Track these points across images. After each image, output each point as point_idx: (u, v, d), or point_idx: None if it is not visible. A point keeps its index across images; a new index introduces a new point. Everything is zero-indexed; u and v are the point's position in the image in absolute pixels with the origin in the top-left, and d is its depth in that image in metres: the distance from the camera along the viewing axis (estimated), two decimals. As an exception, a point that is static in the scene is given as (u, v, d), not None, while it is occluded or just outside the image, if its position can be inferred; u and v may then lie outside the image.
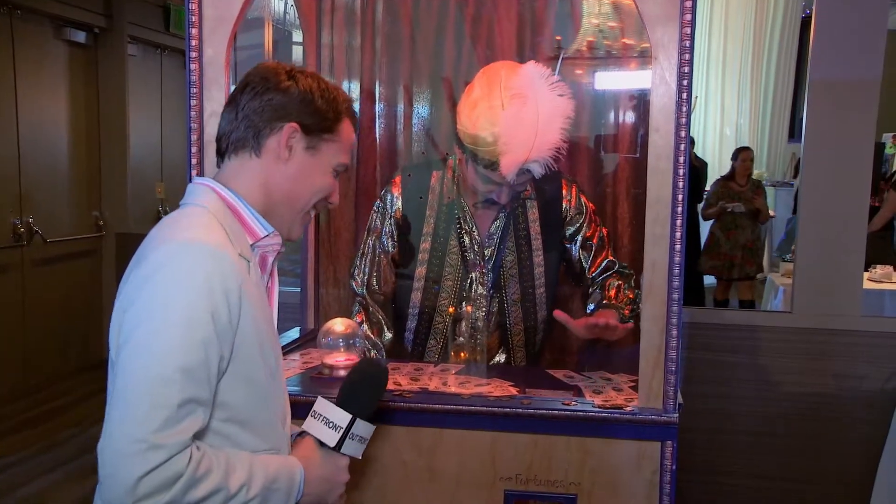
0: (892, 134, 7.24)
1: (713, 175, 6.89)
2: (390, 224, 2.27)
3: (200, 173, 1.80)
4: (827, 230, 2.84)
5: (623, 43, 2.64)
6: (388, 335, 2.28)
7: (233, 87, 1.84)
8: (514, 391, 1.87)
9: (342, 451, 1.37)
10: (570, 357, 2.53)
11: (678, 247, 1.69)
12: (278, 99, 1.35)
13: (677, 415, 1.71)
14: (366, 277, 2.28)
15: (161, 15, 5.99)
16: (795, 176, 6.27)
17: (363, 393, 1.40)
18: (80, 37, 5.34)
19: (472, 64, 2.65)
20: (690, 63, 1.66)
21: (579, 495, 1.77)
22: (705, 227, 6.24)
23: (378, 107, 2.72)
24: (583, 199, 2.31)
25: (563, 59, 2.39)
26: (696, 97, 7.89)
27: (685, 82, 1.66)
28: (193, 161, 1.80)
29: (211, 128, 1.79)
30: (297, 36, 2.73)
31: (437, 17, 2.70)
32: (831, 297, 2.84)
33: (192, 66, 1.79)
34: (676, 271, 1.69)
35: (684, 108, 1.67)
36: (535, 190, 2.26)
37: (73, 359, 5.40)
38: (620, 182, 2.64)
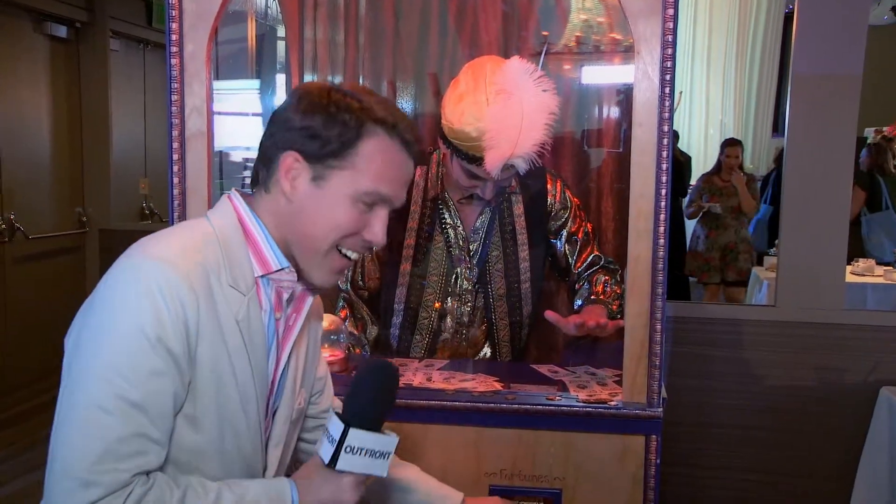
0: (875, 128, 7.29)
1: (697, 169, 6.89)
2: (374, 219, 2.25)
3: (182, 169, 1.79)
4: (810, 224, 2.85)
5: (610, 38, 2.64)
6: (373, 331, 2.28)
7: (214, 82, 1.84)
8: (498, 386, 1.87)
9: (338, 467, 1.17)
10: (554, 352, 2.54)
11: (662, 241, 1.69)
12: (284, 121, 1.21)
13: (661, 409, 1.72)
14: (350, 273, 2.27)
15: (143, 10, 5.94)
16: (776, 170, 6.16)
17: (364, 397, 1.21)
18: (62, 31, 5.29)
19: (457, 59, 2.64)
20: (673, 58, 1.66)
21: (564, 490, 1.77)
22: (692, 223, 6.19)
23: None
24: (567, 193, 2.31)
25: (546, 53, 2.39)
26: (681, 92, 7.92)
27: (668, 77, 1.67)
28: (175, 157, 1.79)
29: (192, 122, 1.78)
30: (281, 31, 2.72)
31: (421, 12, 2.69)
32: (814, 290, 2.86)
33: (173, 62, 1.78)
34: (660, 266, 1.70)
35: (667, 103, 1.67)
36: (520, 185, 2.26)
37: (55, 356, 5.30)
38: (605, 177, 2.65)
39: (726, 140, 5.83)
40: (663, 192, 1.68)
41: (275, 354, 1.26)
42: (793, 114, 2.86)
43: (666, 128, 1.67)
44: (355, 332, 2.24)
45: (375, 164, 1.20)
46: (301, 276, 1.26)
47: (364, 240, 1.23)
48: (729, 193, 5.48)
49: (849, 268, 4.24)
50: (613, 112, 2.66)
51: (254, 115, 3.78)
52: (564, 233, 2.29)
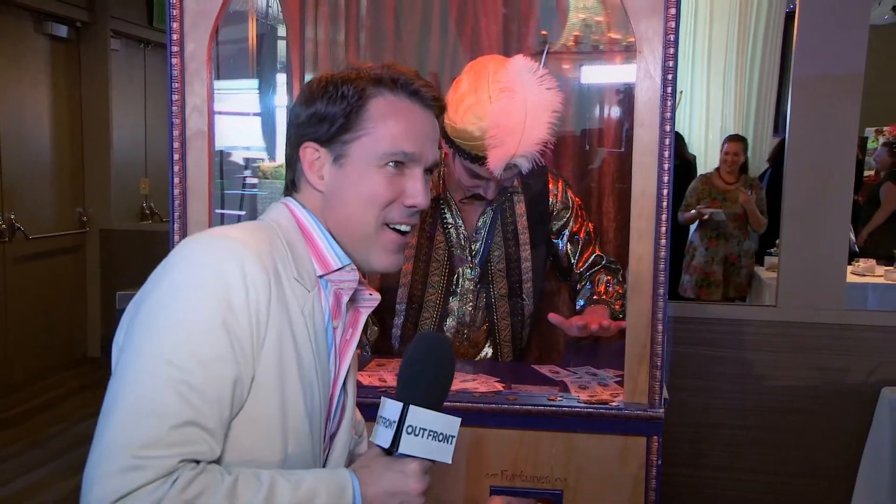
0: (875, 128, 7.29)
1: (699, 171, 6.87)
2: (376, 219, 2.25)
3: (183, 169, 1.78)
4: (811, 224, 2.84)
5: (609, 37, 2.63)
6: (374, 331, 2.27)
7: (215, 82, 1.84)
8: (499, 387, 1.86)
9: (400, 450, 1.07)
10: (556, 352, 2.53)
11: (663, 241, 1.68)
12: (294, 119, 1.19)
13: (663, 410, 1.71)
14: (351, 273, 2.26)
15: (144, 9, 5.94)
16: (770, 168, 6.04)
17: (420, 373, 1.10)
18: (62, 31, 5.29)
19: (457, 59, 2.64)
20: (675, 57, 1.66)
21: (565, 491, 1.76)
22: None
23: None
24: (569, 193, 2.30)
25: (548, 52, 2.38)
26: (682, 91, 7.91)
27: (670, 76, 1.66)
28: (175, 157, 1.78)
29: (193, 122, 1.77)
30: (282, 30, 2.72)
31: (422, 12, 2.69)
32: (815, 290, 2.85)
33: (174, 61, 1.77)
34: (662, 266, 1.69)
35: (669, 103, 1.66)
36: (522, 185, 2.25)
37: (57, 355, 5.36)
38: (606, 176, 2.64)
39: (728, 136, 5.29)
40: (665, 191, 1.67)
41: (336, 363, 1.19)
42: (794, 113, 2.86)
43: (668, 127, 1.67)
44: (356, 332, 2.23)
45: (388, 123, 1.15)
46: (361, 271, 1.20)
47: (406, 207, 1.17)
48: (732, 198, 4.82)
49: (849, 268, 4.23)
50: (614, 111, 2.65)
51: (254, 114, 3.78)
52: (566, 233, 2.29)
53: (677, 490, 2.95)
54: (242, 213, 3.68)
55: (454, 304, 2.24)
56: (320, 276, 1.16)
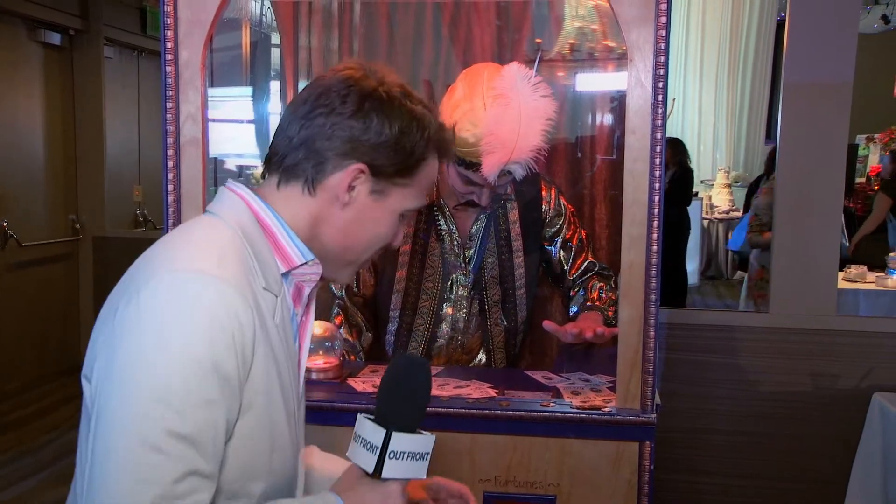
0: (866, 136, 7.34)
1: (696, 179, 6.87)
2: (369, 226, 2.25)
3: (177, 176, 1.79)
4: (802, 231, 2.86)
5: (604, 45, 2.65)
6: (368, 337, 2.28)
7: (209, 90, 1.84)
8: (492, 393, 1.87)
9: (384, 475, 1.08)
10: (549, 358, 2.54)
11: (655, 248, 1.69)
12: (352, 129, 1.10)
13: (655, 415, 1.72)
14: (345, 280, 2.27)
15: (138, 17, 5.94)
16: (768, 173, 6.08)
17: (398, 398, 1.11)
18: (56, 38, 5.29)
19: (451, 66, 2.65)
20: (666, 65, 1.67)
21: (559, 496, 1.77)
22: (695, 230, 6.07)
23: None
24: (562, 200, 2.31)
25: (540, 60, 2.40)
26: (674, 99, 7.95)
27: (661, 84, 1.67)
28: (170, 164, 1.79)
29: (187, 129, 1.78)
30: (275, 38, 2.72)
31: (415, 19, 2.70)
32: (807, 296, 2.87)
33: (168, 69, 1.78)
34: (654, 273, 1.70)
35: (660, 110, 1.68)
36: (515, 192, 2.26)
37: (50, 363, 5.34)
38: (598, 184, 2.65)
39: None
40: (656, 199, 1.68)
41: (297, 349, 1.20)
42: (785, 121, 2.88)
43: (659, 135, 1.68)
44: (350, 338, 2.24)
45: (426, 182, 1.18)
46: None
47: (392, 246, 1.21)
48: None
49: (841, 274, 4.25)
50: (607, 119, 2.67)
51: (248, 122, 3.78)
52: (559, 239, 2.30)
53: (670, 496, 2.96)
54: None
55: (448, 310, 2.25)
56: (284, 273, 1.13)
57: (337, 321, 2.24)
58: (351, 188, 1.12)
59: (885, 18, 7.09)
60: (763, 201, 4.62)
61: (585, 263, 2.29)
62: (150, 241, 1.12)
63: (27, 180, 5.14)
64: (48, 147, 5.34)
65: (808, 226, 2.86)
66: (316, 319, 1.99)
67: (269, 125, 3.62)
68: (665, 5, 1.66)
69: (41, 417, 4.72)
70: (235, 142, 4.14)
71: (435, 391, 1.87)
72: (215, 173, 3.59)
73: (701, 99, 8.79)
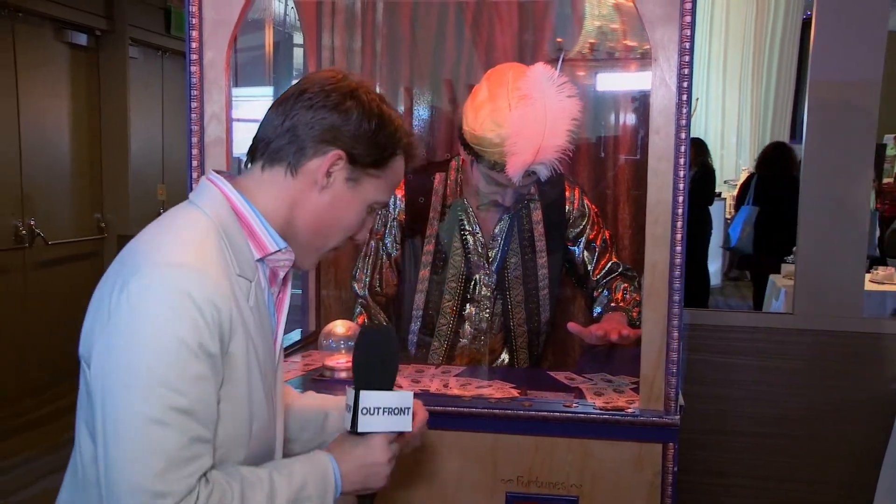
0: (894, 135, 7.23)
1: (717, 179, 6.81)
2: (393, 226, 2.26)
3: (201, 175, 1.80)
4: (828, 232, 2.83)
5: (625, 44, 2.64)
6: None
7: (233, 89, 1.86)
8: (515, 393, 1.87)
9: (360, 429, 1.25)
10: (571, 358, 2.53)
11: (679, 248, 1.69)
12: (333, 119, 1.22)
13: (678, 416, 1.71)
14: (368, 279, 2.28)
15: (162, 17, 5.99)
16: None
17: (365, 363, 1.28)
18: (82, 39, 5.34)
19: (473, 66, 2.65)
20: (690, 64, 1.66)
21: (580, 497, 1.76)
22: (718, 230, 6.04)
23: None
24: (586, 201, 2.31)
25: (563, 60, 2.39)
26: (697, 99, 7.89)
27: (685, 84, 1.66)
28: (194, 163, 1.80)
29: (211, 129, 1.80)
30: (298, 38, 2.74)
31: (437, 20, 2.70)
32: (833, 298, 2.84)
33: (193, 69, 1.79)
34: (677, 273, 1.69)
35: (684, 110, 1.67)
36: (539, 192, 2.26)
37: (75, 360, 5.38)
38: (621, 184, 2.64)
39: None
40: (680, 199, 1.67)
41: (274, 323, 1.31)
42: (810, 120, 2.85)
43: (683, 135, 1.67)
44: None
45: (393, 178, 1.31)
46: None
47: (355, 239, 1.33)
48: None
49: (868, 276, 4.20)
50: (630, 119, 2.65)
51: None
52: (583, 240, 2.29)
53: (693, 497, 2.94)
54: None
55: (471, 310, 2.25)
56: (259, 259, 1.23)
57: (360, 320, 2.25)
58: (329, 173, 1.23)
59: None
60: None
61: (609, 264, 2.29)
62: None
63: (53, 179, 5.20)
64: (74, 146, 5.40)
65: (834, 227, 2.83)
66: (339, 319, 2.02)
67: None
68: (690, 4, 1.65)
69: (67, 414, 4.75)
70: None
71: (456, 391, 1.88)
72: (239, 172, 3.61)
73: (724, 98, 8.71)
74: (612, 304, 2.20)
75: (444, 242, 2.24)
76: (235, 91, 1.95)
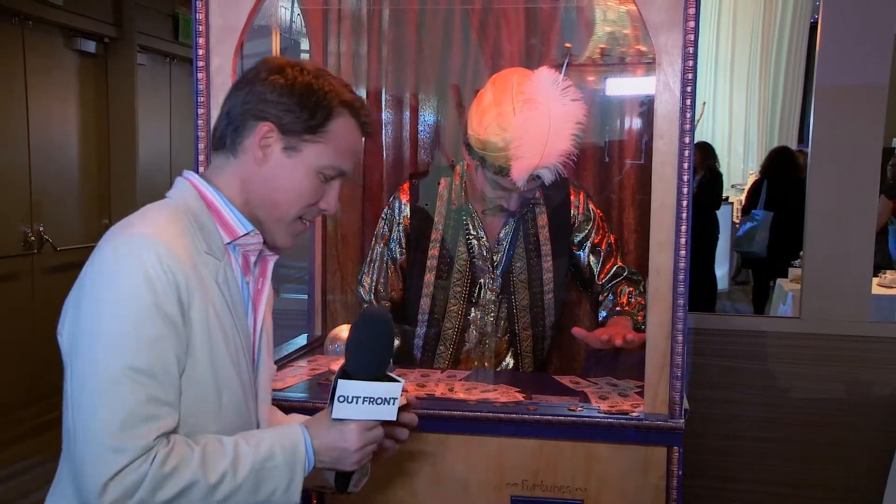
0: (902, 139, 7.20)
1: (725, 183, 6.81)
2: (398, 231, 2.28)
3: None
4: (835, 236, 2.83)
5: (637, 49, 2.64)
6: (396, 342, 2.29)
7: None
8: (520, 397, 1.87)
9: (334, 415, 1.27)
10: (576, 362, 2.54)
11: (683, 253, 1.69)
12: (259, 94, 1.28)
13: (683, 420, 1.71)
14: (373, 284, 2.29)
15: (170, 24, 6.02)
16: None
17: (356, 350, 1.30)
18: (91, 46, 5.38)
19: (479, 71, 2.66)
20: (694, 69, 1.67)
21: (586, 501, 1.77)
22: (725, 234, 6.05)
23: (385, 114, 2.74)
24: (591, 205, 2.32)
25: (569, 64, 2.40)
26: (704, 103, 7.88)
27: (689, 88, 1.67)
28: (201, 169, 1.82)
29: (219, 136, 1.81)
30: (305, 44, 2.75)
31: (444, 25, 2.71)
32: (840, 302, 2.83)
33: (200, 76, 1.81)
34: (682, 277, 1.70)
35: (688, 115, 1.68)
36: (544, 196, 2.27)
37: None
38: (626, 188, 2.65)
39: None
40: (684, 203, 1.68)
41: (252, 315, 1.37)
42: (817, 124, 2.85)
43: (687, 139, 1.68)
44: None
45: (340, 142, 1.32)
46: (264, 239, 1.36)
47: (319, 208, 1.35)
48: None
49: (875, 279, 4.19)
50: (635, 123, 2.66)
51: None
52: (588, 244, 2.30)
53: (699, 501, 2.94)
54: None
55: (476, 314, 2.26)
56: (228, 243, 1.31)
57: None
58: (263, 146, 1.29)
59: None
60: None
61: (614, 268, 2.29)
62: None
63: (62, 185, 5.24)
64: (82, 152, 5.43)
65: (841, 230, 2.83)
66: (344, 324, 2.05)
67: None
68: (693, 10, 1.66)
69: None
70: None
71: (462, 395, 1.88)
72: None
73: (732, 102, 8.70)
74: (618, 309, 2.21)
75: (450, 247, 2.25)
76: (242, 97, 1.97)
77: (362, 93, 2.75)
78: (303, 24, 2.70)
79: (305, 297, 2.64)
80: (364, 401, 1.27)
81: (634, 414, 1.74)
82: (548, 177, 1.98)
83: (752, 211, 5.91)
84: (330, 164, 1.32)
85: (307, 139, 1.29)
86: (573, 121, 1.96)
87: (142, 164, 5.75)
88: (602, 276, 2.30)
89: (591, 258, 2.30)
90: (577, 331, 2.05)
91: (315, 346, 2.40)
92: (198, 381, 1.22)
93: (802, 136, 8.43)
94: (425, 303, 2.26)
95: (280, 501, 1.24)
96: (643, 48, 2.63)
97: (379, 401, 1.27)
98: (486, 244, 2.24)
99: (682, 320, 1.70)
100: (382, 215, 2.32)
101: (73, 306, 1.21)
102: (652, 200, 1.71)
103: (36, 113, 4.93)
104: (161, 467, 1.12)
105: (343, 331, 2.10)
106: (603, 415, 1.75)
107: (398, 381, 1.30)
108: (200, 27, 1.81)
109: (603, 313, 2.27)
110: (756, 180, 6.31)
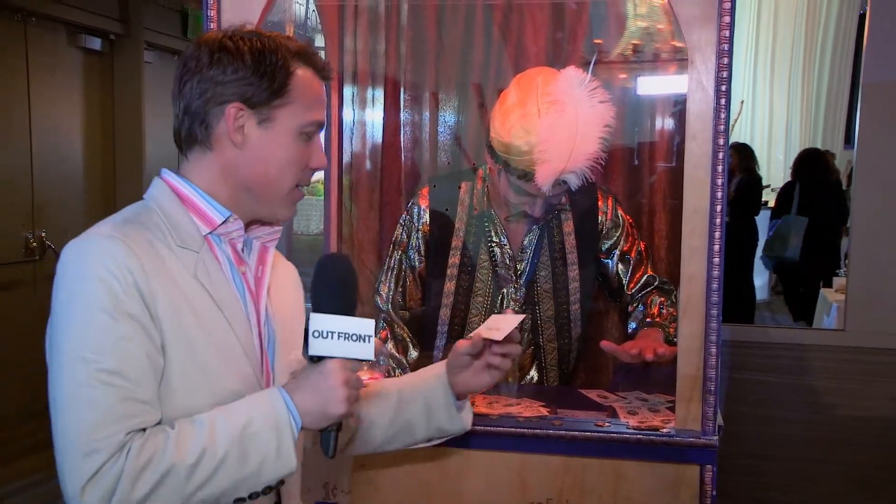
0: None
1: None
2: (417, 238, 2.29)
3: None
4: (882, 244, 2.82)
5: (672, 45, 2.64)
6: (414, 353, 2.31)
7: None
8: (544, 411, 1.89)
9: (310, 352, 1.26)
10: (604, 376, 2.54)
11: (717, 260, 1.70)
12: (211, 78, 1.30)
13: (717, 437, 1.72)
14: (391, 293, 2.30)
15: (178, 21, 6.08)
16: (849, 185, 6.06)
17: (320, 288, 1.31)
18: (96, 44, 5.45)
19: (502, 69, 2.68)
20: (729, 67, 1.68)
21: (614, 522, 1.78)
22: (764, 239, 6.01)
23: (403, 114, 2.76)
24: (619, 211, 2.32)
25: (596, 62, 2.42)
26: (742, 102, 7.84)
27: (724, 87, 1.68)
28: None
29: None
30: (320, 41, 2.79)
31: (465, 21, 2.73)
32: (886, 314, 2.82)
33: (212, 75, 1.84)
34: (715, 286, 1.70)
35: (723, 115, 1.68)
36: (570, 202, 2.27)
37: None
38: (657, 193, 2.65)
39: None
40: (718, 208, 1.69)
41: (253, 306, 1.37)
42: (863, 125, 2.85)
43: (721, 141, 1.69)
44: (396, 354, 2.27)
45: (307, 94, 1.34)
46: (262, 221, 1.39)
47: (311, 169, 1.38)
48: None
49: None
50: (667, 124, 2.67)
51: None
52: (617, 252, 2.30)
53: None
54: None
55: (498, 325, 2.27)
56: (208, 233, 1.33)
57: (382, 335, 2.28)
58: (238, 127, 1.31)
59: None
60: None
61: (645, 277, 2.30)
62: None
63: (66, 189, 5.29)
64: (87, 155, 5.49)
65: (889, 238, 2.82)
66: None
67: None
68: (729, 4, 1.67)
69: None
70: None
71: (483, 409, 1.90)
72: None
73: (772, 101, 8.64)
74: (648, 320, 2.21)
75: (471, 255, 2.26)
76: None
77: (379, 92, 2.77)
78: (318, 21, 2.74)
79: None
80: (339, 336, 1.27)
81: (665, 430, 1.75)
82: (574, 181, 1.99)
83: (785, 216, 5.87)
84: (306, 120, 1.34)
85: (276, 105, 1.31)
86: (601, 123, 1.97)
87: (148, 167, 5.80)
88: (631, 285, 2.30)
89: (620, 267, 2.30)
90: (605, 344, 2.05)
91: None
92: (181, 382, 1.25)
93: (849, 138, 8.36)
94: (445, 313, 2.28)
95: (275, 469, 1.24)
96: (679, 44, 2.64)
97: (354, 337, 1.28)
98: (510, 252, 2.26)
99: (715, 331, 1.71)
100: (401, 221, 2.34)
101: (50, 314, 1.25)
102: (684, 205, 1.72)
103: (39, 113, 4.99)
104: (136, 459, 1.16)
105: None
106: (632, 430, 1.76)
107: (369, 320, 1.31)
108: (212, 24, 1.84)
109: (632, 325, 2.28)
110: (786, 183, 6.29)
